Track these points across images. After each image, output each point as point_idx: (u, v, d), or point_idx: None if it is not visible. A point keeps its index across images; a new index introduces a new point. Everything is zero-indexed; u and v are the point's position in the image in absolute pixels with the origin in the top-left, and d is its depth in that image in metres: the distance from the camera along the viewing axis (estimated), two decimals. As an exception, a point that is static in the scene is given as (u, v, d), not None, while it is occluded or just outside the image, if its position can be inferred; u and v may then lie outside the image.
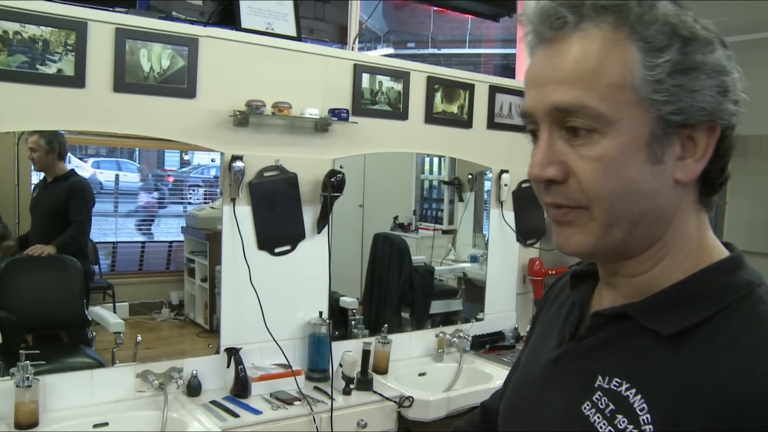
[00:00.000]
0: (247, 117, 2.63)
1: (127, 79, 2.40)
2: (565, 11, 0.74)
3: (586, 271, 0.91)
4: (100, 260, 3.15)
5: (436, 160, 4.06)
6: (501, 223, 3.60)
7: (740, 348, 0.70)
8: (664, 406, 0.71)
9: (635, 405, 0.73)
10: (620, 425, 0.74)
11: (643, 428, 0.72)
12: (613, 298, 0.83)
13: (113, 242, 3.30)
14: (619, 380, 0.76)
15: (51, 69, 2.26)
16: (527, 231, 3.72)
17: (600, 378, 0.78)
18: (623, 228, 0.75)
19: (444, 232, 4.03)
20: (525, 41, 0.81)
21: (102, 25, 2.34)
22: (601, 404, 0.77)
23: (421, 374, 3.17)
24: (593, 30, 0.74)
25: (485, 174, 3.72)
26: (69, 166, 2.86)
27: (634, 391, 0.74)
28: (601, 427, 0.76)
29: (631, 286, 0.80)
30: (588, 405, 0.78)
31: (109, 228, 3.30)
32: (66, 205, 2.82)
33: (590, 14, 0.74)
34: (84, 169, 3.31)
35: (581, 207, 0.75)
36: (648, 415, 0.72)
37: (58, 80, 2.28)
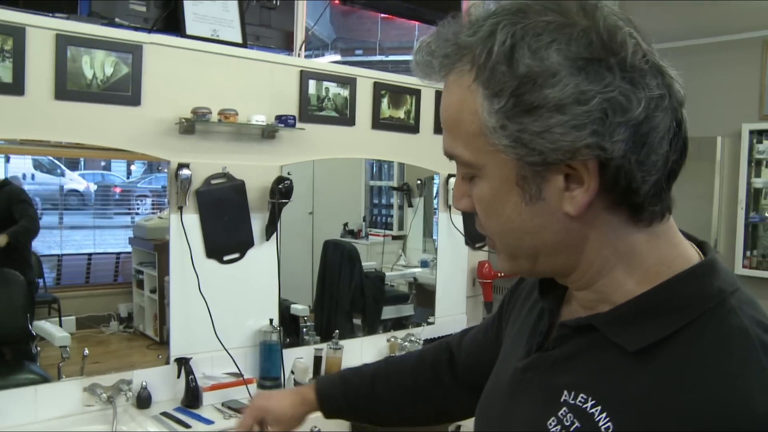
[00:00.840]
0: (193, 124, 2.61)
1: (69, 87, 2.36)
2: (431, 59, 0.74)
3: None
4: (45, 273, 3.08)
5: (385, 166, 4.08)
6: (449, 227, 3.64)
7: (710, 368, 0.67)
8: (630, 425, 0.69)
9: (600, 423, 0.71)
10: None
11: None
12: (577, 307, 0.82)
13: (58, 255, 3.23)
14: (584, 396, 0.74)
15: (-13, 76, 2.21)
16: (476, 234, 3.74)
17: (566, 393, 0.76)
18: (525, 259, 0.77)
19: (394, 237, 4.06)
20: None
21: (42, 30, 2.29)
22: (567, 421, 0.75)
23: (374, 379, 3.17)
24: (454, 77, 0.73)
25: (434, 179, 3.75)
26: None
27: (599, 408, 0.72)
28: None
29: (585, 297, 0.79)
30: (554, 421, 0.76)
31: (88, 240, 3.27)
32: (8, 211, 2.75)
33: (450, 61, 0.73)
34: (77, 182, 3.28)
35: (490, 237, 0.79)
36: (610, 424, 0.70)
37: (-6, 87, 2.23)
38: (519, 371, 0.87)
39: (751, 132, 4.20)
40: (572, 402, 0.75)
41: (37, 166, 3.12)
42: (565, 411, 0.75)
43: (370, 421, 1.28)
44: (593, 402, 0.73)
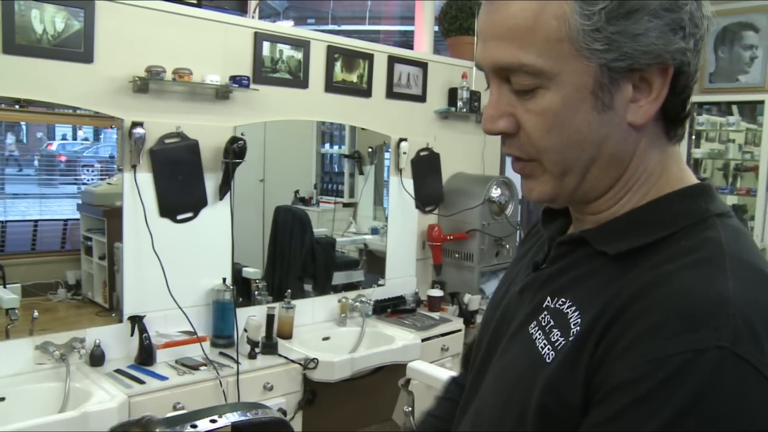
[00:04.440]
0: (147, 83, 2.60)
1: (18, 41, 2.33)
2: None
3: (558, 208, 0.91)
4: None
5: (336, 133, 4.11)
6: (400, 190, 3.70)
7: (673, 261, 0.70)
8: (592, 310, 0.72)
9: (570, 318, 0.75)
10: (553, 338, 0.76)
11: (570, 337, 0.73)
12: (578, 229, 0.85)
13: (1, 221, 3.17)
14: (563, 299, 0.78)
15: (-65, 29, 2.17)
16: (426, 198, 3.84)
17: (548, 299, 0.80)
18: (576, 175, 0.76)
19: (345, 205, 4.09)
20: None
21: (-10, -17, 2.26)
22: (544, 322, 0.78)
23: (325, 338, 3.24)
24: None
25: (385, 147, 3.80)
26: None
27: (573, 307, 0.76)
28: (538, 342, 0.77)
29: (597, 221, 0.81)
30: (534, 324, 0.80)
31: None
32: None
33: None
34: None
35: (534, 160, 0.77)
36: (579, 320, 0.74)
37: (-59, 41, 2.19)
38: (515, 294, 0.89)
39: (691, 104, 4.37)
40: (552, 306, 0.79)
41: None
42: (545, 314, 0.79)
43: None
44: (569, 303, 0.76)
